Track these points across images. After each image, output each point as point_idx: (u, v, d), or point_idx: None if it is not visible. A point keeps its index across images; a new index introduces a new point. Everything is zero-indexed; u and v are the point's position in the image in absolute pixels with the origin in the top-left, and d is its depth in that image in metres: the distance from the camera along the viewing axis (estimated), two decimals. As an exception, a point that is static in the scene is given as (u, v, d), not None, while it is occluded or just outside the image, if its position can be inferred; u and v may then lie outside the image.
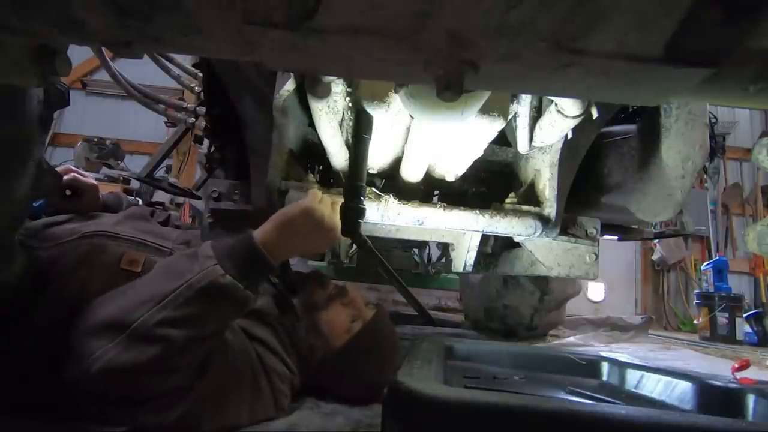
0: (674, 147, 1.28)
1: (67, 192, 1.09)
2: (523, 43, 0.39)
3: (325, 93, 0.99)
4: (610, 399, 0.89)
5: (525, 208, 1.26)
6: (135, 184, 3.84)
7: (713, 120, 1.44)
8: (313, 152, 1.35)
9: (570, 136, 1.14)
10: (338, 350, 1.03)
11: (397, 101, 0.95)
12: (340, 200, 0.97)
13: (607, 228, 1.62)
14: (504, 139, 1.35)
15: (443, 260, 3.36)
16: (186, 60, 2.70)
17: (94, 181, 1.14)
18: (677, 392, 0.89)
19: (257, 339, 0.95)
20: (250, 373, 0.89)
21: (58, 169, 1.09)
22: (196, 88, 2.54)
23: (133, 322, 0.72)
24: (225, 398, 0.83)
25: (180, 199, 3.96)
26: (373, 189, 1.19)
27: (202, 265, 0.77)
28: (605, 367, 1.09)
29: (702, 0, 0.35)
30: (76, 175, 1.10)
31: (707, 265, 4.85)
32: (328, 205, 0.93)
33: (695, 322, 4.76)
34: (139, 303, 0.74)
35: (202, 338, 0.76)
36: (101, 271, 0.89)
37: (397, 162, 1.27)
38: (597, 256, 1.42)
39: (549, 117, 1.06)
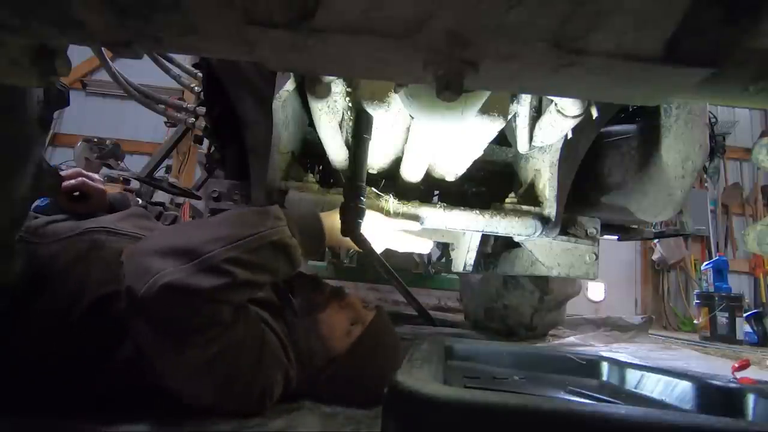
0: (674, 147, 1.28)
1: (75, 193, 1.09)
2: (523, 43, 0.39)
3: (325, 93, 0.99)
4: (610, 399, 0.89)
5: (525, 208, 1.26)
6: (135, 184, 3.83)
7: (713, 120, 1.43)
8: (313, 152, 1.35)
9: (570, 136, 1.14)
10: (340, 356, 1.02)
11: (397, 101, 0.95)
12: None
13: (607, 228, 1.62)
14: (504, 139, 1.35)
15: (443, 260, 3.36)
16: (186, 60, 2.70)
17: (103, 186, 1.13)
18: (677, 392, 0.89)
19: (262, 320, 0.96)
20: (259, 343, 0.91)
21: (68, 172, 1.09)
22: (196, 88, 2.54)
23: (204, 253, 0.78)
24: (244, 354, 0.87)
25: (180, 199, 3.96)
26: (373, 189, 1.19)
27: (275, 224, 0.87)
28: (605, 367, 1.09)
29: (702, 0, 0.35)
30: (86, 180, 1.10)
31: (707, 265, 4.85)
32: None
33: (695, 322, 4.75)
34: (212, 239, 0.80)
35: (255, 284, 0.85)
36: (100, 266, 0.89)
37: (397, 162, 1.27)
38: (597, 256, 1.42)
39: (549, 117, 1.06)
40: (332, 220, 1.03)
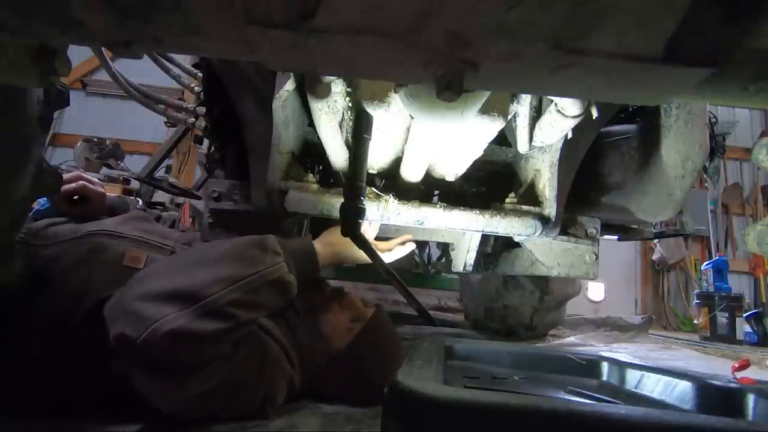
0: (674, 147, 1.28)
1: (75, 197, 1.09)
2: (523, 43, 0.39)
3: (325, 93, 0.99)
4: (610, 399, 0.89)
5: (525, 208, 1.26)
6: (135, 184, 3.83)
7: (713, 120, 1.43)
8: (313, 152, 1.35)
9: (570, 136, 1.14)
10: (340, 352, 1.03)
11: (397, 101, 0.95)
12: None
13: (607, 228, 1.62)
14: (504, 139, 1.35)
15: (443, 260, 3.36)
16: (186, 60, 2.70)
17: (103, 190, 1.13)
18: (677, 392, 0.89)
19: (263, 329, 0.96)
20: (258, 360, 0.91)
21: (68, 175, 1.09)
22: (196, 88, 2.54)
23: (206, 297, 0.77)
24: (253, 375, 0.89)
25: (180, 199, 3.95)
26: (373, 189, 1.19)
27: (274, 260, 0.87)
28: (605, 367, 1.09)
29: (702, 0, 0.35)
30: (86, 183, 1.10)
31: (707, 265, 4.85)
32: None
33: (695, 322, 4.75)
34: (213, 280, 0.79)
35: (254, 321, 0.87)
36: (102, 269, 0.90)
37: (397, 162, 1.27)
38: (597, 256, 1.41)
39: (549, 117, 1.06)
40: (325, 251, 1.05)
